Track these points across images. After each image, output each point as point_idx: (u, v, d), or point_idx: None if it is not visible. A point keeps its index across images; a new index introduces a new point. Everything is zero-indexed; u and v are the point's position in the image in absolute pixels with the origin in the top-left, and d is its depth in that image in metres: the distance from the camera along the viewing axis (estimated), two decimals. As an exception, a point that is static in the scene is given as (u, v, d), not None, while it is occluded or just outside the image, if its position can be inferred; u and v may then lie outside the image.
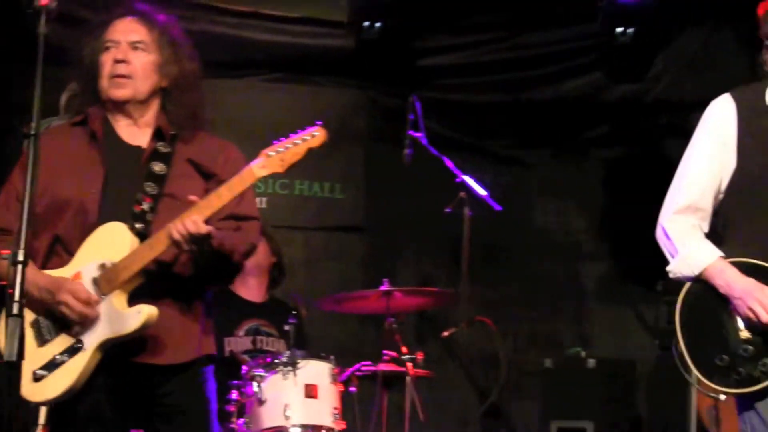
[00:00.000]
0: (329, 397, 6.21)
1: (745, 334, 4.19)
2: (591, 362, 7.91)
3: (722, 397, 4.47)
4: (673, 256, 4.35)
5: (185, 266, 4.31)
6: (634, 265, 8.44)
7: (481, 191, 6.81)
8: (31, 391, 4.20)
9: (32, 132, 3.99)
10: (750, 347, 4.17)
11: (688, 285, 4.36)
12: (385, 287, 6.57)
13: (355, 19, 8.06)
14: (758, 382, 4.14)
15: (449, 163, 6.85)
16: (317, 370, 6.21)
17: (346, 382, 6.53)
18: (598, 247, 8.71)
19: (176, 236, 4.01)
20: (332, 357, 6.32)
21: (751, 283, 4.17)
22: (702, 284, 4.31)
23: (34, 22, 4.05)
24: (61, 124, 4.61)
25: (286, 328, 6.50)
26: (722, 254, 4.25)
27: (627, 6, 7.85)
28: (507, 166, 8.44)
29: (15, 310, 3.71)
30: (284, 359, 6.12)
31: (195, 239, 4.03)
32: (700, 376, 4.27)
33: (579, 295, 8.65)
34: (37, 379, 4.19)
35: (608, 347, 8.31)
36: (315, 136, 4.15)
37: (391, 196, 8.32)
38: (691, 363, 4.28)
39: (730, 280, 4.21)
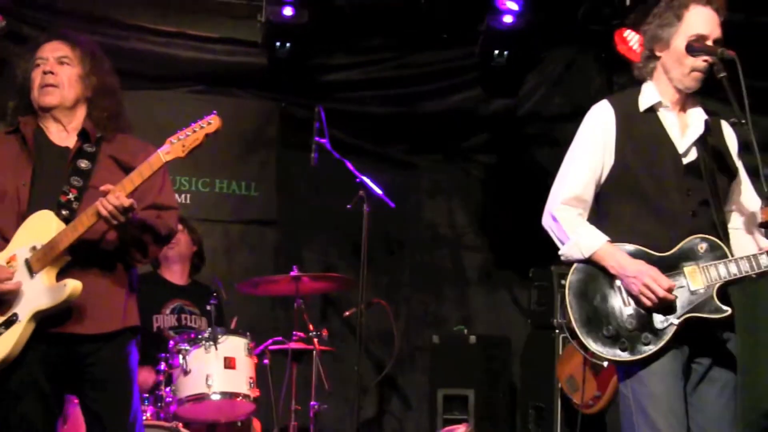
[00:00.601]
0: (245, 368, 6.24)
1: (629, 309, 4.26)
2: (472, 338, 7.98)
3: (605, 363, 4.51)
4: (562, 242, 4.41)
5: (110, 244, 4.33)
6: (509, 255, 8.52)
7: (378, 190, 6.84)
8: None
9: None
10: (634, 321, 4.23)
11: (573, 267, 4.40)
12: (294, 273, 6.64)
13: (268, 39, 8.06)
14: (641, 351, 4.22)
15: (350, 166, 6.88)
16: (235, 345, 6.25)
17: (260, 356, 6.59)
18: (478, 239, 8.76)
19: (102, 211, 4.03)
20: (248, 333, 6.38)
21: (642, 264, 4.24)
22: (586, 266, 4.37)
23: (-13, 39, 4.03)
24: None
25: (208, 308, 6.48)
26: (609, 239, 4.31)
27: (502, 31, 7.90)
28: (400, 169, 8.45)
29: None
30: (206, 335, 6.16)
31: (120, 211, 4.04)
32: (589, 345, 4.29)
33: (462, 281, 8.70)
34: None
35: (487, 326, 8.38)
36: (210, 123, 4.17)
37: (300, 194, 8.33)
38: (581, 334, 4.30)
39: (622, 261, 4.27)
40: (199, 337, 6.18)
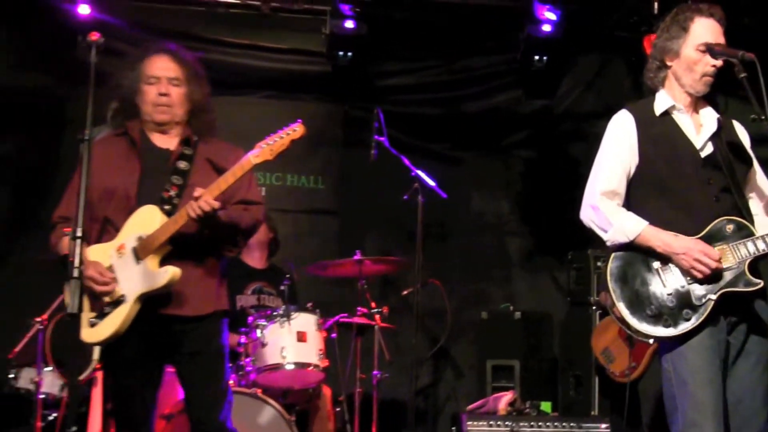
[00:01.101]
0: (315, 341, 6.32)
1: (668, 289, 4.23)
2: (517, 314, 7.99)
3: (651, 341, 4.47)
4: (605, 229, 4.39)
5: (204, 237, 4.40)
6: (548, 240, 8.50)
7: (431, 182, 6.85)
8: (88, 334, 4.36)
9: (86, 137, 4.02)
10: (674, 299, 4.20)
11: (612, 256, 4.39)
12: (357, 257, 6.69)
13: (332, 50, 8.10)
14: (684, 327, 4.19)
15: (406, 161, 6.88)
16: (306, 320, 6.33)
17: (329, 330, 6.62)
18: (520, 226, 8.74)
19: (192, 213, 4.16)
20: (317, 310, 6.40)
21: (687, 239, 4.22)
22: (624, 254, 4.37)
23: (85, 53, 4.07)
24: (105, 135, 4.63)
25: (282, 288, 6.53)
26: (647, 222, 4.28)
27: (541, 39, 7.90)
28: (449, 163, 8.43)
29: (75, 274, 3.74)
30: (281, 312, 6.27)
31: (206, 214, 4.15)
32: (635, 325, 4.26)
33: (506, 263, 8.69)
34: (92, 325, 4.33)
35: (529, 303, 8.35)
36: (296, 130, 4.28)
37: (361, 186, 8.35)
38: (627, 316, 4.27)
39: (668, 240, 4.24)
40: (275, 313, 6.29)
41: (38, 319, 6.41)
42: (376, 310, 6.74)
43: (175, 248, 4.33)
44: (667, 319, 4.21)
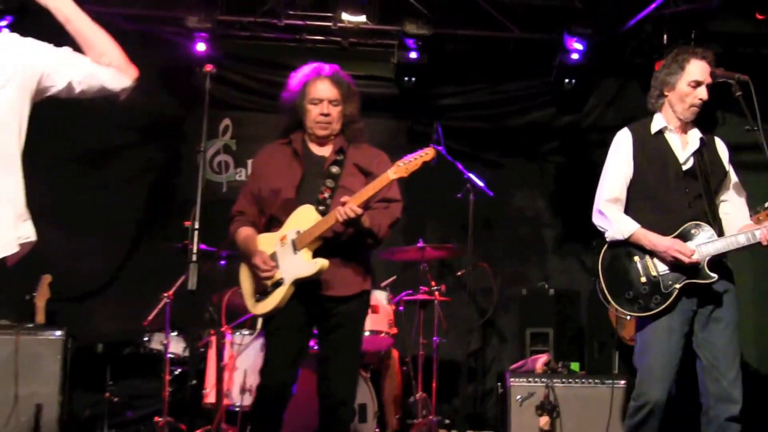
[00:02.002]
0: (386, 313, 6.43)
1: (643, 278, 4.56)
2: (551, 291, 7.98)
3: (628, 317, 4.69)
4: (607, 229, 4.67)
5: (351, 233, 4.46)
6: (577, 230, 8.44)
7: (480, 183, 6.86)
8: (254, 307, 4.55)
9: (201, 149, 4.08)
10: (647, 287, 4.54)
11: (603, 251, 4.73)
12: (420, 244, 6.76)
13: (398, 76, 8.14)
14: (651, 309, 4.53)
15: (460, 166, 6.92)
16: (378, 296, 6.43)
17: (397, 304, 6.71)
18: (553, 219, 8.71)
19: (339, 218, 4.23)
20: (388, 288, 6.47)
21: (668, 239, 4.50)
22: (612, 250, 4.70)
23: (201, 81, 4.13)
24: (274, 143, 4.78)
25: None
26: (639, 225, 4.58)
27: (571, 65, 7.87)
28: (494, 168, 8.40)
29: (194, 259, 3.82)
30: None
31: (351, 218, 4.22)
32: (614, 304, 4.64)
33: (542, 249, 8.66)
34: (257, 300, 4.52)
35: (561, 282, 8.31)
36: (428, 153, 4.33)
37: (423, 187, 8.28)
38: (609, 296, 4.65)
39: (654, 240, 4.54)
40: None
41: (165, 294, 6.52)
42: (435, 288, 6.77)
43: (327, 242, 4.39)
44: (641, 302, 4.55)
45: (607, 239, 4.69)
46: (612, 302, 4.62)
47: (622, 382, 6.49)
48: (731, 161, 4.78)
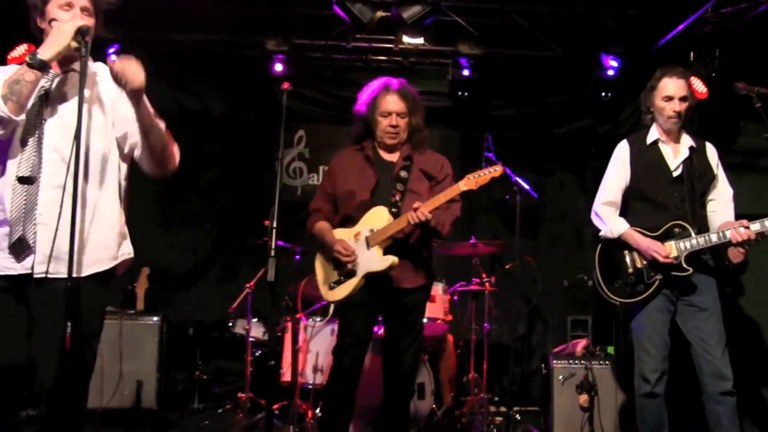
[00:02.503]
0: (442, 301, 6.46)
1: (630, 270, 4.77)
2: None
3: (618, 303, 4.83)
4: (601, 228, 4.92)
5: (417, 235, 4.53)
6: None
7: (525, 186, 6.85)
8: (327, 294, 4.65)
9: (279, 156, 4.14)
10: (633, 278, 4.76)
11: (599, 247, 4.98)
12: (472, 241, 6.74)
13: (453, 90, 8.15)
14: (635, 296, 4.76)
15: (508, 171, 6.85)
16: (435, 287, 6.43)
17: (452, 294, 6.71)
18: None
19: (411, 220, 4.28)
20: (444, 279, 6.48)
21: (650, 240, 4.71)
22: (610, 242, 4.89)
23: (280, 97, 4.19)
24: (348, 149, 4.84)
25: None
26: (629, 225, 4.79)
27: (607, 80, 7.83)
28: (539, 172, 8.38)
29: (272, 254, 3.89)
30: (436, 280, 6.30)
31: (421, 222, 4.28)
32: (606, 292, 4.89)
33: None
34: (331, 288, 4.60)
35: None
36: (496, 170, 4.41)
37: (474, 190, 8.32)
38: (603, 285, 4.90)
39: (638, 239, 4.74)
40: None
41: (247, 285, 6.61)
42: (486, 279, 6.75)
43: (397, 240, 4.46)
44: (627, 290, 4.76)
45: (601, 237, 4.93)
46: (605, 289, 4.87)
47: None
48: (719, 165, 4.91)
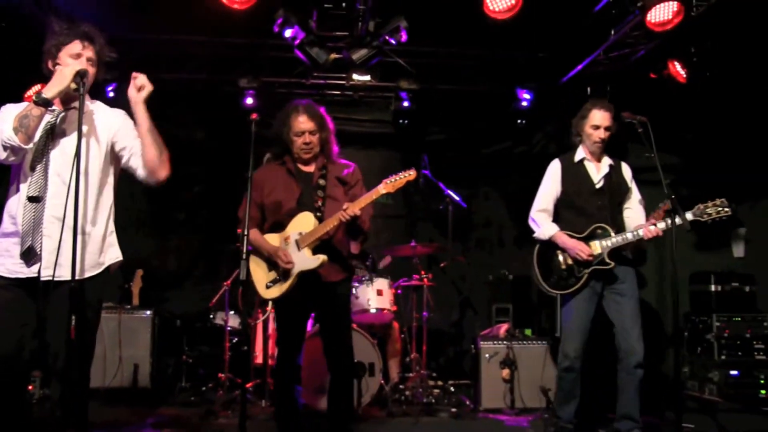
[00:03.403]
0: (388, 295, 6.49)
1: (563, 266, 4.85)
2: (510, 277, 7.98)
3: (553, 294, 4.93)
4: (535, 231, 5.01)
5: (339, 236, 4.44)
6: (529, 231, 8.46)
7: (456, 198, 6.91)
8: (264, 293, 4.47)
9: (249, 175, 4.15)
10: (565, 272, 4.84)
11: (537, 246, 5.03)
12: (412, 244, 6.73)
13: (395, 119, 8.22)
14: (568, 288, 4.83)
15: (441, 185, 6.97)
16: (382, 282, 6.47)
17: (396, 288, 6.70)
18: (511, 223, 8.73)
19: (343, 218, 4.17)
20: (389, 276, 6.49)
21: (575, 241, 4.80)
22: (544, 244, 4.95)
23: (250, 126, 4.19)
24: (270, 164, 4.69)
25: (368, 263, 6.62)
26: (558, 229, 4.88)
27: (522, 110, 7.95)
28: (468, 186, 8.39)
29: (243, 257, 3.89)
30: (367, 278, 6.33)
31: (352, 219, 4.18)
32: (544, 285, 4.93)
33: (504, 246, 8.70)
34: (267, 287, 4.44)
35: (518, 270, 8.22)
36: (410, 174, 4.26)
37: (415, 201, 8.39)
38: (541, 279, 4.95)
39: (566, 240, 4.85)
40: (364, 279, 6.34)
41: (225, 283, 6.58)
42: (424, 275, 6.77)
43: (322, 242, 4.35)
44: (561, 283, 4.84)
45: (536, 239, 5.02)
46: (542, 284, 4.93)
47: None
48: (634, 179, 5.07)
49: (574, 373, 4.87)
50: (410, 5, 6.17)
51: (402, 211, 8.51)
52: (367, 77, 7.46)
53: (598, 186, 4.93)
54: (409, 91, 7.74)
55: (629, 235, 4.72)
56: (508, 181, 8.70)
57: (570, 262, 4.83)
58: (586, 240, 4.81)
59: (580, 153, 5.00)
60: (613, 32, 6.39)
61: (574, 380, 4.89)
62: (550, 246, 4.94)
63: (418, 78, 7.64)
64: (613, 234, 4.77)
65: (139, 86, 3.54)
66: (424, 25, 6.38)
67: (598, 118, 4.91)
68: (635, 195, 5.02)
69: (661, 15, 5.76)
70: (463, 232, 8.38)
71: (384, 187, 4.23)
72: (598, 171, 4.97)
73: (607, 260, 4.74)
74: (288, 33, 6.23)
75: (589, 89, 7.47)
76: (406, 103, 7.86)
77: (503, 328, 6.83)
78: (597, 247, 4.77)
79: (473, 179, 8.61)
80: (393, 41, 6.22)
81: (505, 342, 6.47)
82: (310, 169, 4.58)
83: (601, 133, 4.88)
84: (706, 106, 7.33)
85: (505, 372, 6.35)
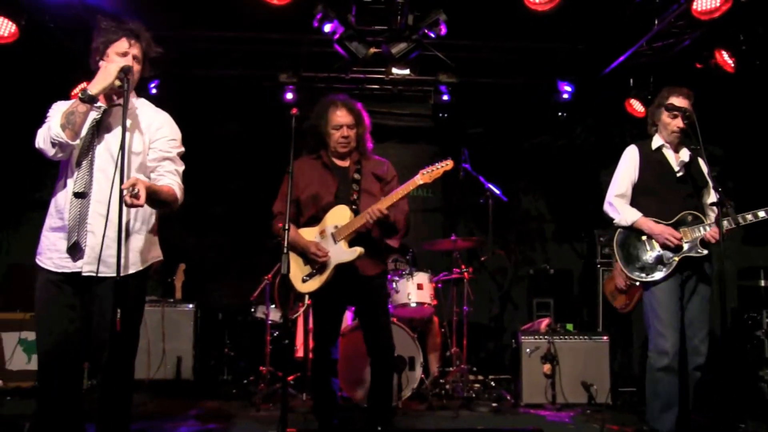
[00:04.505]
0: (428, 289, 6.45)
1: (649, 253, 4.58)
2: (551, 271, 7.96)
3: (637, 283, 4.61)
4: (615, 216, 4.70)
5: (376, 230, 4.45)
6: (570, 225, 8.43)
7: (497, 191, 6.89)
8: (300, 287, 4.46)
9: (290, 169, 4.16)
10: (653, 260, 4.57)
11: (617, 232, 4.72)
12: (453, 238, 6.72)
13: (434, 112, 8.17)
14: (656, 275, 4.55)
15: (482, 179, 6.95)
16: (422, 277, 6.44)
17: (436, 282, 6.68)
18: (553, 217, 8.67)
19: (372, 216, 4.22)
20: (429, 270, 6.47)
21: (662, 226, 4.55)
22: (624, 231, 4.68)
23: (290, 120, 4.21)
24: (305, 158, 4.70)
25: (408, 257, 6.62)
26: (641, 215, 4.61)
27: (562, 103, 7.83)
28: (508, 179, 8.30)
29: (285, 251, 3.91)
30: (407, 271, 6.31)
31: (381, 217, 4.22)
32: (628, 273, 4.62)
33: (545, 240, 8.60)
34: (303, 281, 4.45)
35: (559, 264, 8.26)
36: (447, 164, 4.25)
37: (455, 194, 8.35)
38: (624, 268, 4.63)
39: (651, 226, 4.58)
40: (404, 273, 6.33)
41: (266, 277, 6.62)
42: (464, 270, 6.76)
43: (358, 235, 4.39)
44: (648, 270, 4.54)
45: (615, 225, 4.73)
46: (626, 272, 4.63)
47: (605, 337, 6.48)
48: (708, 174, 4.76)
49: (672, 374, 4.42)
50: (449, -2, 6.15)
51: (442, 204, 8.49)
52: (407, 71, 7.45)
53: (678, 174, 4.68)
54: (448, 84, 7.69)
55: (748, 216, 4.41)
56: (549, 175, 8.63)
57: (657, 248, 4.57)
58: (674, 227, 4.57)
59: (657, 140, 4.76)
60: (656, 22, 6.28)
61: (674, 382, 4.43)
62: (633, 232, 4.68)
63: (458, 71, 7.59)
64: (705, 220, 4.55)
65: (133, 197, 3.19)
66: (463, 18, 6.35)
67: (677, 105, 4.62)
68: (710, 187, 4.69)
69: (707, 3, 5.62)
70: (503, 226, 8.32)
71: (421, 178, 4.25)
72: (676, 160, 4.72)
73: (700, 248, 4.48)
74: (327, 28, 6.24)
75: (631, 81, 7.36)
76: (445, 97, 7.82)
77: (544, 322, 6.79)
78: (688, 234, 4.53)
79: (513, 173, 8.56)
80: (432, 35, 6.19)
81: (546, 337, 6.44)
82: (346, 163, 4.60)
83: (680, 122, 4.61)
84: (754, 96, 7.16)
85: (546, 367, 6.32)
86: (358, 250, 4.33)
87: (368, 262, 4.46)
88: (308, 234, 4.49)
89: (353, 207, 4.43)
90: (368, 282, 4.49)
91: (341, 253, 4.35)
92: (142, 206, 3.25)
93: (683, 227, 4.53)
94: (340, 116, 4.51)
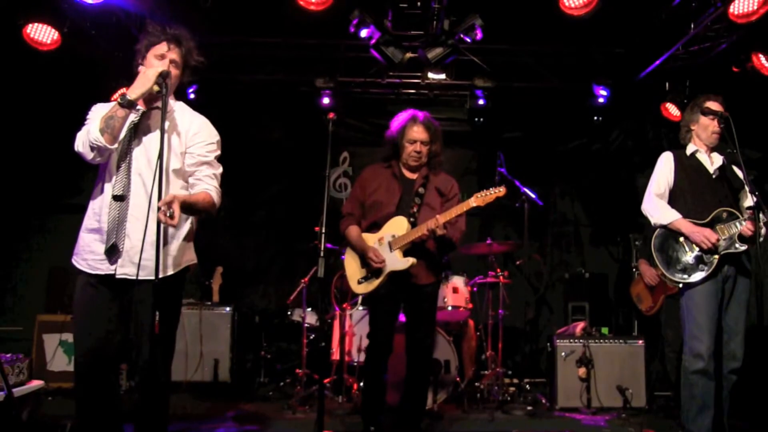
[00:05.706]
0: (464, 292, 6.43)
1: (689, 254, 4.49)
2: (587, 275, 7.88)
3: (680, 285, 4.50)
4: (653, 215, 4.61)
5: (431, 241, 4.54)
6: (606, 230, 8.33)
7: (532, 195, 6.81)
8: (355, 288, 4.62)
9: (326, 173, 4.15)
10: (692, 260, 4.47)
11: (655, 234, 4.63)
12: (488, 241, 6.69)
13: (470, 117, 8.13)
14: (697, 276, 4.44)
15: (517, 183, 6.88)
16: (458, 280, 6.44)
17: (472, 286, 6.66)
18: (589, 221, 8.60)
19: (429, 228, 4.33)
20: (465, 274, 6.46)
21: (699, 227, 4.47)
22: (662, 232, 4.60)
23: (327, 125, 4.21)
24: (377, 165, 4.84)
25: (444, 261, 6.57)
26: (680, 215, 4.53)
27: (598, 106, 7.72)
28: (544, 183, 8.30)
29: (321, 254, 3.89)
30: (443, 276, 6.20)
31: (437, 232, 4.32)
32: (668, 275, 4.52)
33: (580, 244, 8.55)
34: (359, 282, 4.59)
35: (594, 267, 8.20)
36: (500, 191, 4.37)
37: (482, 207, 8.27)
38: (663, 270, 4.53)
39: (689, 226, 4.49)
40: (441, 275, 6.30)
41: (302, 280, 6.64)
42: (500, 273, 6.73)
43: (414, 246, 4.51)
44: (690, 271, 4.45)
45: (653, 223, 4.68)
46: (668, 276, 4.54)
47: (640, 341, 6.42)
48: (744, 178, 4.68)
49: (708, 377, 4.34)
50: (485, 3, 6.13)
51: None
52: (443, 75, 7.45)
53: (714, 176, 4.65)
54: (484, 88, 7.67)
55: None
56: (585, 179, 8.58)
57: (696, 249, 4.48)
58: (709, 226, 4.50)
59: (692, 147, 4.74)
60: (693, 25, 6.19)
61: (710, 385, 4.35)
62: (670, 234, 4.61)
63: (494, 76, 7.58)
64: (740, 216, 4.46)
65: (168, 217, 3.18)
66: (498, 22, 6.36)
67: (714, 109, 4.62)
68: (748, 195, 4.67)
69: (744, 6, 5.53)
70: (539, 230, 8.29)
71: (474, 201, 4.36)
72: (712, 162, 4.69)
73: (739, 243, 4.39)
74: (364, 33, 6.26)
75: (667, 84, 7.28)
76: (481, 101, 7.79)
77: (579, 326, 6.73)
78: (725, 231, 4.45)
79: (549, 177, 8.51)
80: (468, 39, 6.18)
81: (581, 340, 6.38)
82: (414, 176, 4.74)
83: (717, 125, 4.61)
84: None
85: (582, 371, 6.26)
86: (411, 260, 4.46)
87: (422, 271, 4.58)
88: (369, 240, 4.64)
89: (411, 219, 4.57)
90: (420, 290, 4.62)
91: (396, 261, 4.49)
92: (175, 227, 3.28)
93: (719, 224, 4.47)
94: (417, 132, 4.64)
